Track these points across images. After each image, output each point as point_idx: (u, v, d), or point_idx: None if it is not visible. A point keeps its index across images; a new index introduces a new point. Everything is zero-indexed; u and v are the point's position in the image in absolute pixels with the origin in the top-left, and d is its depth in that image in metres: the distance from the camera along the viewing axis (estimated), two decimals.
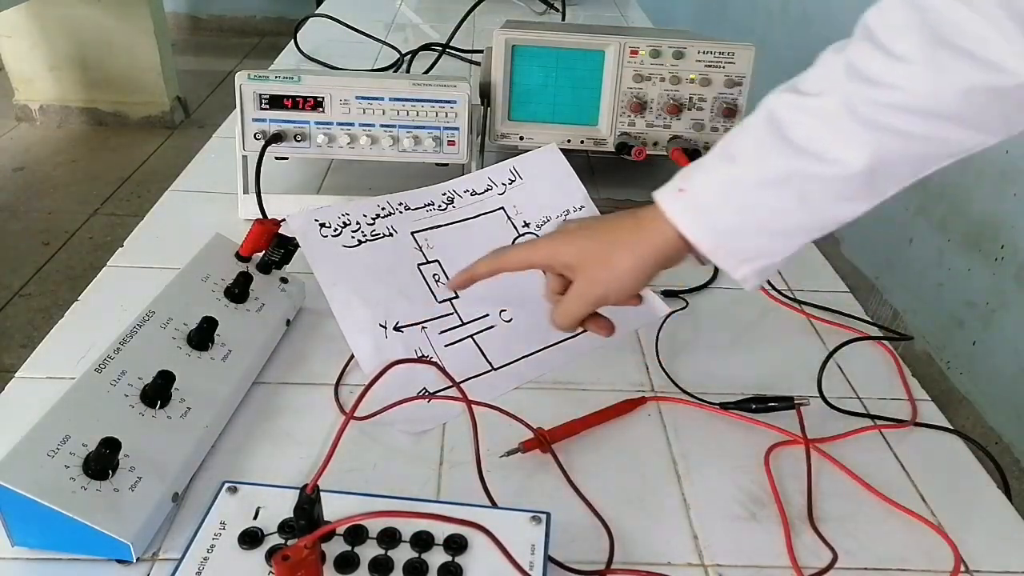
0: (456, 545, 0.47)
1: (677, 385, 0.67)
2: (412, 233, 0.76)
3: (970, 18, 0.45)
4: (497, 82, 0.91)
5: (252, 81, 0.84)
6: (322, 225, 0.73)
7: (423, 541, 0.48)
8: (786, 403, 0.63)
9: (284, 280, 0.72)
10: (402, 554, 0.47)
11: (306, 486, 0.46)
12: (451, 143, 0.87)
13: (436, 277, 0.74)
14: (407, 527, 0.48)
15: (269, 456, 0.59)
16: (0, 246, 2.52)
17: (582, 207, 0.81)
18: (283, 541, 0.48)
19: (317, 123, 0.86)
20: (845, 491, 0.58)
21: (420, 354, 0.68)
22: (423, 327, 0.70)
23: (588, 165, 1.04)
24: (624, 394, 0.67)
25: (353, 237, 0.73)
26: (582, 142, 0.93)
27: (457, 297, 0.73)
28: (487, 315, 0.73)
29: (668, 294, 0.79)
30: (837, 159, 0.50)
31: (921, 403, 0.68)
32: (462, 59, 1.50)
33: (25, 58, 3.27)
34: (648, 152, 0.92)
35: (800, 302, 0.80)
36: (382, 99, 0.85)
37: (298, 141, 0.86)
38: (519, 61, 0.90)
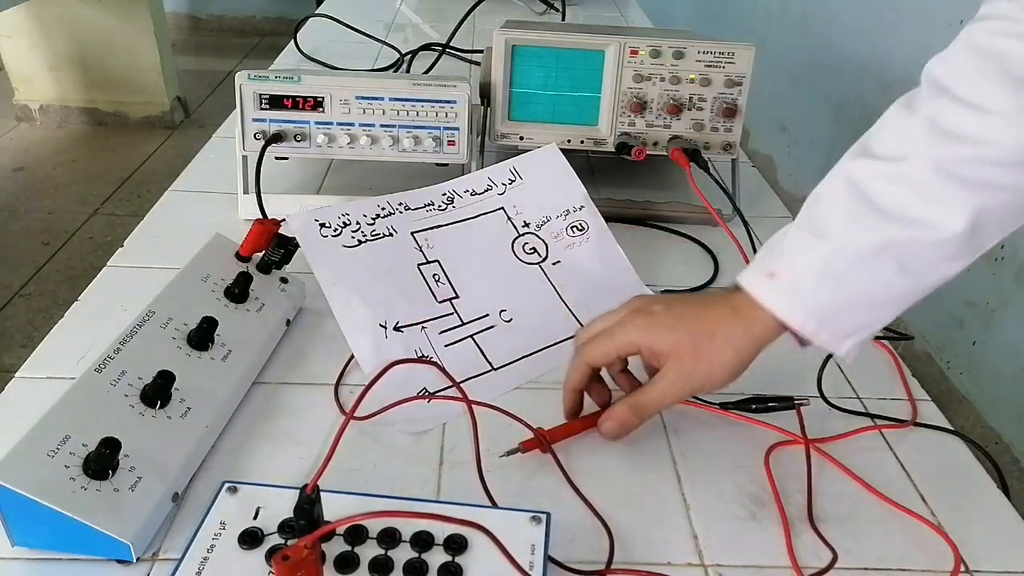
0: (456, 545, 0.47)
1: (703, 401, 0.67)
2: (412, 233, 0.76)
3: None
4: (497, 82, 0.91)
5: (252, 81, 0.84)
6: (322, 225, 0.73)
7: (423, 541, 0.48)
8: (786, 403, 0.63)
9: (284, 280, 0.72)
10: (402, 554, 0.47)
11: (306, 486, 0.46)
12: (451, 143, 0.87)
13: (436, 277, 0.74)
14: (407, 527, 0.48)
15: (269, 456, 0.59)
16: (0, 246, 2.53)
17: (582, 207, 0.81)
18: (283, 541, 0.48)
19: (317, 123, 0.86)
20: (845, 491, 0.58)
21: (420, 354, 0.68)
22: (423, 327, 0.70)
23: (588, 165, 1.04)
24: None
25: (353, 237, 0.73)
26: (582, 142, 0.93)
27: (457, 297, 0.73)
28: (487, 315, 0.73)
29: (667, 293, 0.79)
30: (936, 223, 0.49)
31: (921, 403, 0.68)
32: (462, 59, 1.50)
33: (25, 58, 3.27)
34: (648, 152, 0.92)
35: None
36: (382, 99, 0.85)
37: (298, 141, 0.86)
38: (519, 61, 0.90)
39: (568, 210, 0.81)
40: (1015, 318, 0.96)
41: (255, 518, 0.49)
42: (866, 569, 0.52)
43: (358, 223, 0.74)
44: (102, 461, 0.49)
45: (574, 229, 0.80)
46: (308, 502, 0.46)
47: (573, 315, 0.74)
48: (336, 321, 0.68)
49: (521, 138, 0.93)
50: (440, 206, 0.79)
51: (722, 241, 0.88)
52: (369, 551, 0.47)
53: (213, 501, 0.50)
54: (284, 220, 0.72)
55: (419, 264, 0.74)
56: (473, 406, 0.62)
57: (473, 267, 0.75)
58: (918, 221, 0.49)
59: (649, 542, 0.53)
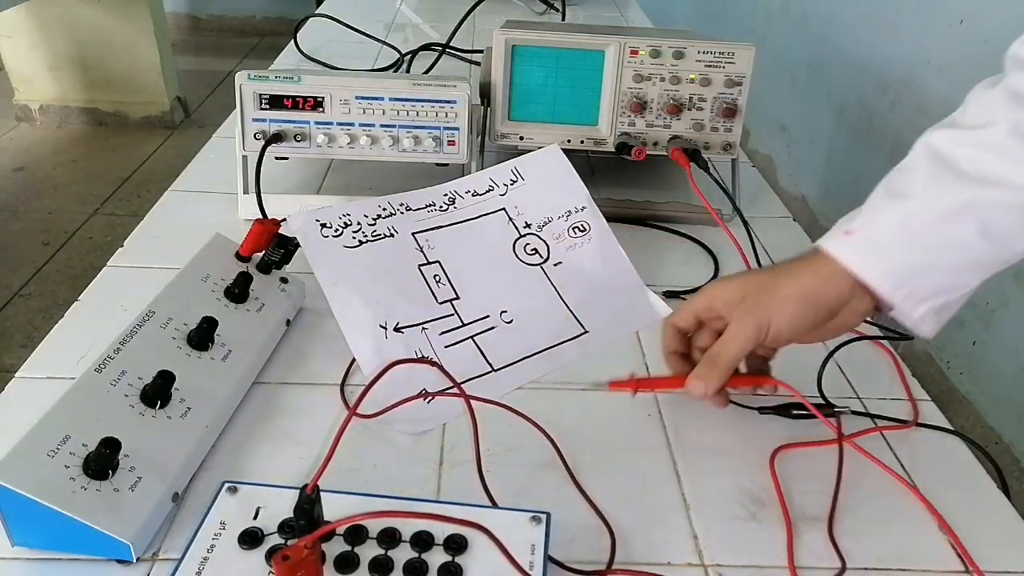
0: (456, 545, 0.47)
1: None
2: (413, 234, 0.76)
3: None
4: (497, 82, 0.91)
5: (252, 81, 0.84)
6: (323, 225, 0.73)
7: (423, 541, 0.48)
8: (826, 411, 0.62)
9: (284, 280, 0.72)
10: (402, 554, 0.47)
11: (306, 486, 0.46)
12: (451, 143, 0.87)
13: (437, 278, 0.74)
14: (407, 527, 0.48)
15: (269, 456, 0.59)
16: (0, 246, 2.53)
17: (584, 208, 0.81)
18: (283, 541, 0.48)
19: (317, 123, 0.86)
20: (845, 491, 0.58)
21: (420, 355, 0.68)
22: (423, 328, 0.70)
23: (588, 165, 1.04)
24: (625, 393, 0.67)
25: (354, 238, 0.73)
26: (582, 142, 0.93)
27: (458, 298, 0.73)
28: (487, 316, 0.73)
29: (669, 295, 0.79)
30: (1016, 183, 0.49)
31: (921, 403, 0.68)
32: (462, 59, 1.50)
33: (25, 58, 3.28)
34: (648, 152, 0.92)
35: None
36: (382, 99, 0.85)
37: (298, 141, 0.86)
38: (519, 61, 0.90)
39: (570, 211, 0.81)
40: (1015, 318, 0.96)
41: (255, 518, 0.49)
42: (867, 569, 0.52)
43: (359, 223, 0.74)
44: (102, 461, 0.49)
45: (576, 230, 0.80)
46: (308, 502, 0.46)
47: (574, 316, 0.74)
48: (336, 321, 0.68)
49: (521, 138, 0.93)
50: (441, 207, 0.79)
51: (722, 241, 0.88)
52: (369, 551, 0.47)
53: (213, 501, 0.50)
54: (284, 220, 0.72)
55: (420, 265, 0.74)
56: (473, 406, 0.62)
57: (474, 268, 0.75)
58: (997, 181, 0.49)
59: (649, 542, 0.53)
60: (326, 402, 0.64)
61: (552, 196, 0.82)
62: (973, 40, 1.09)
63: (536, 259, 0.78)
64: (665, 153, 0.92)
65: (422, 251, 0.75)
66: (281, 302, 0.71)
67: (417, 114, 0.86)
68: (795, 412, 0.63)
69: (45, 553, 0.50)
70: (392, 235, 0.75)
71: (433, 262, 0.75)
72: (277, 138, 0.85)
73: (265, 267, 0.71)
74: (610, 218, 0.82)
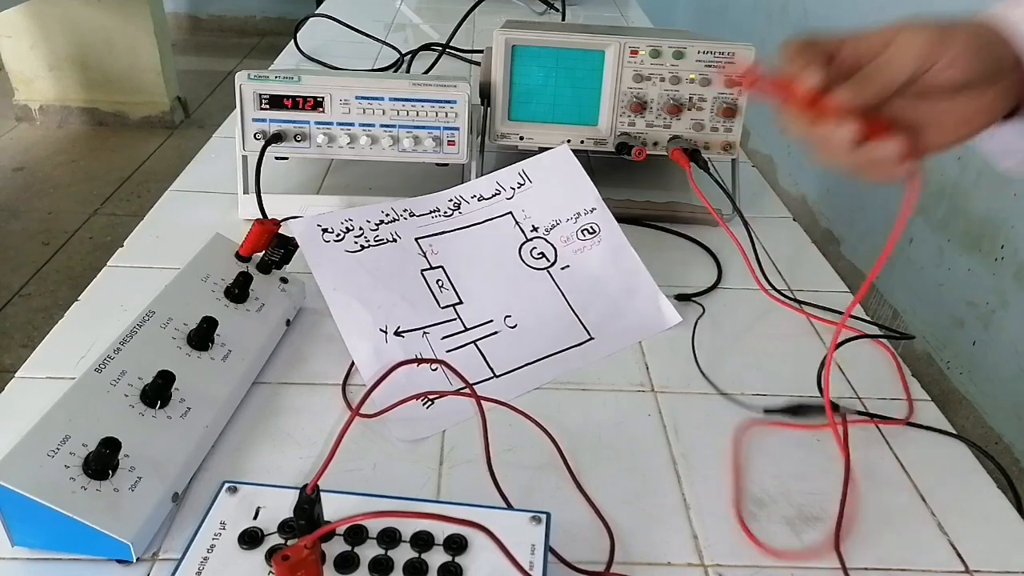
0: (456, 545, 0.47)
1: (715, 387, 0.67)
2: (416, 239, 0.75)
3: None
4: (497, 82, 0.91)
5: (252, 81, 0.84)
6: (325, 230, 0.72)
7: (423, 541, 0.48)
8: (833, 412, 0.61)
9: (284, 280, 0.72)
10: (402, 554, 0.47)
11: (306, 486, 0.46)
12: (451, 143, 0.87)
13: (439, 283, 0.73)
14: (407, 527, 0.48)
15: (269, 456, 0.59)
16: (0, 246, 2.52)
17: (594, 209, 0.80)
18: (283, 541, 0.48)
19: (317, 123, 0.86)
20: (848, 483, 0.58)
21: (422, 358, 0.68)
22: (425, 332, 0.70)
23: (588, 165, 1.04)
24: (625, 394, 0.67)
25: (356, 242, 0.73)
26: (582, 142, 0.93)
27: (461, 303, 0.73)
28: (491, 321, 0.72)
29: (680, 298, 0.79)
30: None
31: (921, 403, 0.68)
32: (462, 59, 1.50)
33: (25, 58, 3.28)
34: (648, 152, 0.92)
35: (800, 302, 0.80)
36: (382, 99, 0.85)
37: (298, 141, 0.86)
38: (519, 61, 0.90)
39: (579, 213, 0.80)
40: (1015, 318, 0.96)
41: (255, 518, 0.49)
42: (866, 569, 0.52)
43: (361, 228, 0.74)
44: (102, 461, 0.49)
45: (585, 232, 0.79)
46: (308, 502, 0.46)
47: (580, 322, 0.74)
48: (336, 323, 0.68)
49: (521, 138, 0.93)
50: (446, 212, 0.78)
51: (722, 241, 0.88)
52: (369, 551, 0.47)
53: (213, 501, 0.50)
54: (284, 220, 0.72)
55: (423, 270, 0.74)
56: (482, 406, 0.62)
57: (478, 273, 0.75)
58: None
59: (649, 542, 0.53)
60: (326, 402, 0.64)
61: (560, 198, 0.81)
62: None
63: (543, 263, 0.77)
64: (665, 153, 0.92)
65: (425, 256, 0.75)
66: (281, 302, 0.71)
67: (417, 114, 0.86)
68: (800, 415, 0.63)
69: (45, 553, 0.50)
70: (395, 240, 0.74)
71: (436, 267, 0.74)
72: (277, 138, 0.85)
73: (265, 267, 0.71)
74: None
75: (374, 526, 0.48)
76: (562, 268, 0.77)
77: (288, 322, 0.72)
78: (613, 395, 0.67)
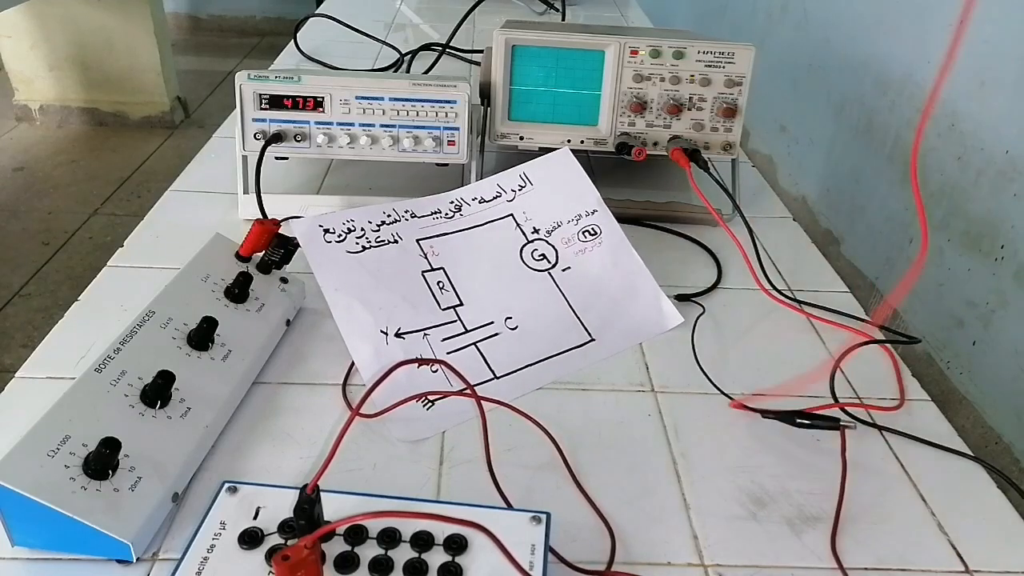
0: (456, 545, 0.47)
1: (718, 388, 0.67)
2: (417, 240, 0.75)
3: None
4: (497, 82, 0.91)
5: (252, 81, 0.84)
6: (326, 231, 0.72)
7: (423, 541, 0.48)
8: (831, 423, 0.62)
9: (284, 280, 0.72)
10: (402, 554, 0.47)
11: (306, 486, 0.46)
12: (451, 143, 0.87)
13: (440, 284, 0.73)
14: (407, 527, 0.48)
15: (269, 456, 0.59)
16: (0, 246, 2.53)
17: (595, 211, 0.81)
18: (283, 541, 0.48)
19: (317, 123, 0.86)
20: (845, 492, 0.58)
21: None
22: (425, 334, 0.70)
23: (588, 165, 1.04)
24: (625, 394, 0.67)
25: (357, 243, 0.73)
26: (582, 142, 0.93)
27: (461, 304, 0.73)
28: (491, 323, 0.72)
29: (680, 298, 0.79)
30: None
31: (921, 403, 0.68)
32: (462, 59, 1.50)
33: (25, 58, 3.28)
34: (648, 152, 0.92)
35: (800, 302, 0.80)
36: (382, 99, 0.85)
37: (298, 141, 0.86)
38: (519, 61, 0.90)
39: (580, 214, 0.80)
40: (1015, 318, 0.96)
41: (255, 518, 0.49)
42: (866, 569, 0.52)
43: (362, 229, 0.74)
44: (102, 461, 0.49)
45: (586, 234, 0.79)
46: (308, 502, 0.46)
47: (581, 323, 0.74)
48: (336, 323, 0.68)
49: (521, 138, 0.93)
50: (447, 214, 0.79)
51: (722, 241, 0.88)
52: (369, 551, 0.47)
53: (213, 501, 0.50)
54: (284, 220, 0.72)
55: (423, 271, 0.74)
56: (483, 406, 0.62)
57: (479, 274, 0.75)
58: None
59: (649, 542, 0.53)
60: (326, 402, 0.64)
61: (562, 200, 0.81)
62: (973, 40, 1.09)
63: (544, 264, 0.77)
64: (665, 153, 0.92)
65: (426, 257, 0.75)
66: (281, 302, 0.71)
67: (417, 114, 0.86)
68: (798, 421, 0.62)
69: (45, 553, 0.50)
70: (396, 241, 0.74)
71: (437, 268, 0.74)
72: (277, 138, 0.85)
73: (265, 267, 0.71)
74: None
75: (374, 526, 0.48)
76: (563, 270, 0.77)
77: (288, 322, 0.72)
78: (613, 395, 0.67)
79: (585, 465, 0.59)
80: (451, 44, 1.49)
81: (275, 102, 0.85)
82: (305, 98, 0.85)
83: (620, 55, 0.89)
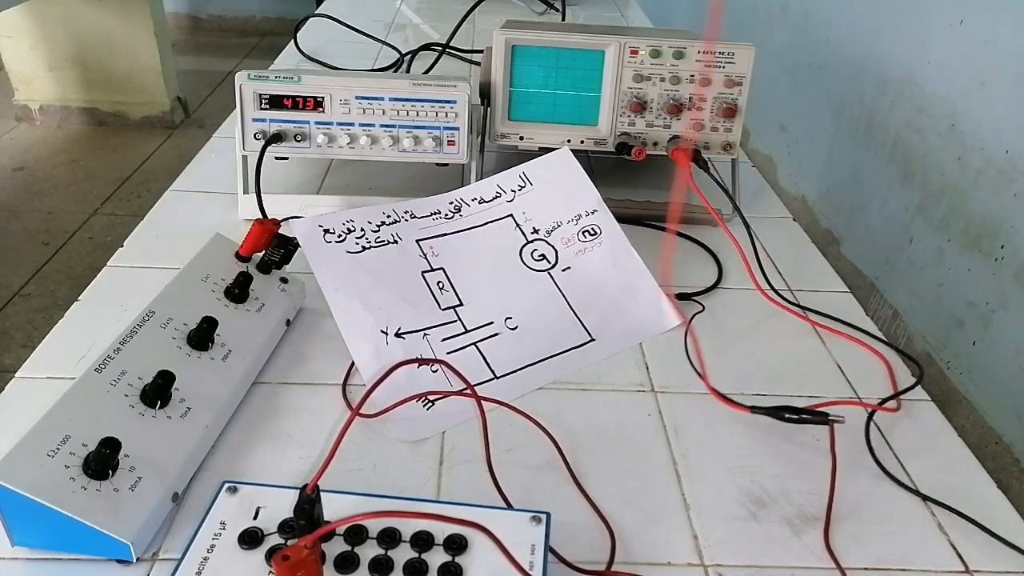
0: (456, 545, 0.47)
1: (711, 387, 0.67)
2: (417, 241, 0.76)
3: None
4: (497, 82, 0.91)
5: (252, 81, 0.84)
6: (326, 231, 0.72)
7: (423, 541, 0.48)
8: (820, 418, 0.61)
9: (284, 280, 0.72)
10: (402, 554, 0.47)
11: (306, 486, 0.46)
12: (451, 143, 0.87)
13: (440, 284, 0.73)
14: (407, 527, 0.48)
15: (269, 456, 0.59)
16: (0, 246, 2.53)
17: (595, 211, 0.80)
18: (283, 541, 0.48)
19: (317, 123, 0.86)
20: (843, 490, 0.58)
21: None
22: (425, 334, 0.70)
23: (588, 165, 1.04)
24: (625, 393, 0.67)
25: (357, 243, 0.73)
26: (582, 142, 0.93)
27: (461, 304, 0.73)
28: (491, 323, 0.72)
29: (681, 297, 0.79)
30: None
31: (921, 403, 0.68)
32: (462, 59, 1.50)
33: (25, 58, 3.28)
34: (648, 152, 0.92)
35: (803, 308, 0.80)
36: (382, 99, 0.85)
37: (298, 141, 0.86)
38: (519, 61, 0.90)
39: (580, 214, 0.80)
40: (1015, 318, 0.96)
41: (255, 518, 0.49)
42: (866, 569, 0.52)
43: (362, 229, 0.74)
44: (102, 461, 0.49)
45: (586, 234, 0.79)
46: (308, 502, 0.46)
47: (581, 324, 0.74)
48: (336, 323, 0.68)
49: (521, 138, 0.93)
50: (447, 214, 0.79)
51: (723, 241, 0.88)
52: (369, 551, 0.47)
53: (213, 501, 0.50)
54: (284, 220, 0.72)
55: (423, 272, 0.74)
56: (483, 406, 0.62)
57: (479, 275, 0.75)
58: None
59: (649, 542, 0.53)
60: (326, 402, 0.64)
61: (561, 200, 0.81)
62: (973, 40, 1.09)
63: (544, 265, 0.77)
64: (665, 153, 0.92)
65: (426, 258, 0.75)
66: (281, 302, 0.71)
67: (417, 114, 0.86)
68: (787, 416, 0.62)
69: (45, 553, 0.50)
70: (396, 242, 0.75)
71: (437, 269, 0.74)
72: (277, 138, 0.85)
73: (265, 267, 0.71)
74: None
75: (374, 526, 0.48)
76: (563, 270, 0.77)
77: (288, 322, 0.72)
78: (613, 395, 0.67)
79: (585, 465, 0.59)
80: (451, 44, 1.49)
81: (275, 102, 0.85)
82: (305, 98, 0.85)
83: (620, 55, 0.89)
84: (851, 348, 0.74)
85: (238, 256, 0.70)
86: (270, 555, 0.47)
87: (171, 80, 3.41)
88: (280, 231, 0.71)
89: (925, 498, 0.58)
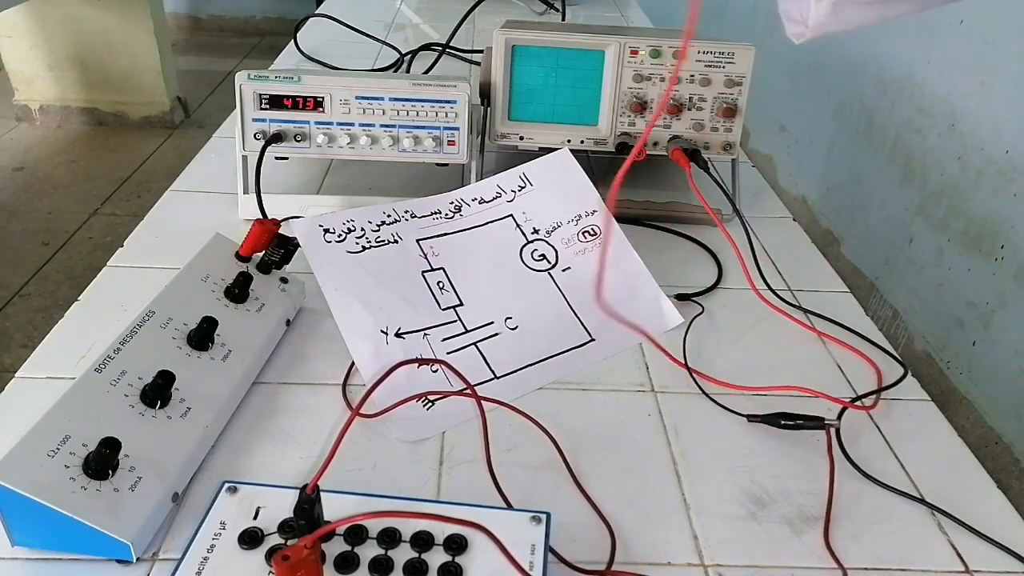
0: (456, 545, 0.47)
1: (704, 393, 0.67)
2: (417, 240, 0.76)
3: None
4: (497, 82, 0.91)
5: (252, 81, 0.84)
6: (326, 231, 0.72)
7: (423, 541, 0.48)
8: (816, 423, 0.61)
9: (284, 280, 0.72)
10: (402, 554, 0.47)
11: (306, 486, 0.46)
12: (451, 143, 0.87)
13: (440, 284, 0.73)
14: (407, 527, 0.48)
15: (269, 456, 0.59)
16: (0, 246, 2.53)
17: (595, 211, 0.81)
18: (283, 541, 0.48)
19: (317, 123, 0.86)
20: (843, 490, 0.58)
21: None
22: (425, 334, 0.70)
23: (588, 165, 1.04)
24: (625, 394, 0.67)
25: (357, 243, 0.73)
26: (582, 142, 0.93)
27: (461, 304, 0.73)
28: (491, 323, 0.72)
29: (681, 298, 0.79)
30: None
31: (921, 403, 0.68)
32: (462, 59, 1.50)
33: (25, 58, 3.28)
34: (648, 152, 0.92)
35: (805, 309, 0.80)
36: (382, 99, 0.85)
37: (298, 141, 0.86)
38: (519, 61, 0.90)
39: (580, 215, 0.80)
40: (1015, 318, 0.96)
41: (255, 518, 0.49)
42: (866, 569, 0.52)
43: (363, 229, 0.74)
44: (102, 461, 0.49)
45: (586, 234, 0.79)
46: (308, 502, 0.46)
47: (581, 324, 0.74)
48: (336, 323, 0.68)
49: (521, 138, 0.93)
50: (447, 214, 0.79)
51: (723, 241, 0.88)
52: (369, 551, 0.47)
53: (213, 501, 0.50)
54: (284, 220, 0.72)
55: (423, 271, 0.74)
56: (482, 407, 0.62)
57: (479, 275, 0.75)
58: None
59: (649, 542, 0.53)
60: (326, 402, 0.64)
61: (561, 200, 0.81)
62: (973, 40, 1.09)
63: (544, 265, 0.77)
64: (665, 153, 0.92)
65: (426, 258, 0.75)
66: (281, 302, 0.71)
67: (417, 114, 0.86)
68: (783, 422, 0.62)
69: (45, 553, 0.50)
70: (396, 241, 0.75)
71: (437, 269, 0.74)
72: (277, 138, 0.85)
73: (265, 267, 0.71)
74: None
75: (374, 526, 0.48)
76: (563, 270, 0.77)
77: (288, 322, 0.72)
78: (613, 395, 0.67)
79: (585, 465, 0.59)
80: (451, 44, 1.49)
81: (275, 102, 0.85)
82: (305, 98, 0.85)
83: (620, 55, 0.89)
84: (848, 349, 0.74)
85: (238, 256, 0.70)
86: (270, 555, 0.47)
87: (171, 80, 3.41)
88: (280, 231, 0.71)
89: (921, 501, 0.58)
